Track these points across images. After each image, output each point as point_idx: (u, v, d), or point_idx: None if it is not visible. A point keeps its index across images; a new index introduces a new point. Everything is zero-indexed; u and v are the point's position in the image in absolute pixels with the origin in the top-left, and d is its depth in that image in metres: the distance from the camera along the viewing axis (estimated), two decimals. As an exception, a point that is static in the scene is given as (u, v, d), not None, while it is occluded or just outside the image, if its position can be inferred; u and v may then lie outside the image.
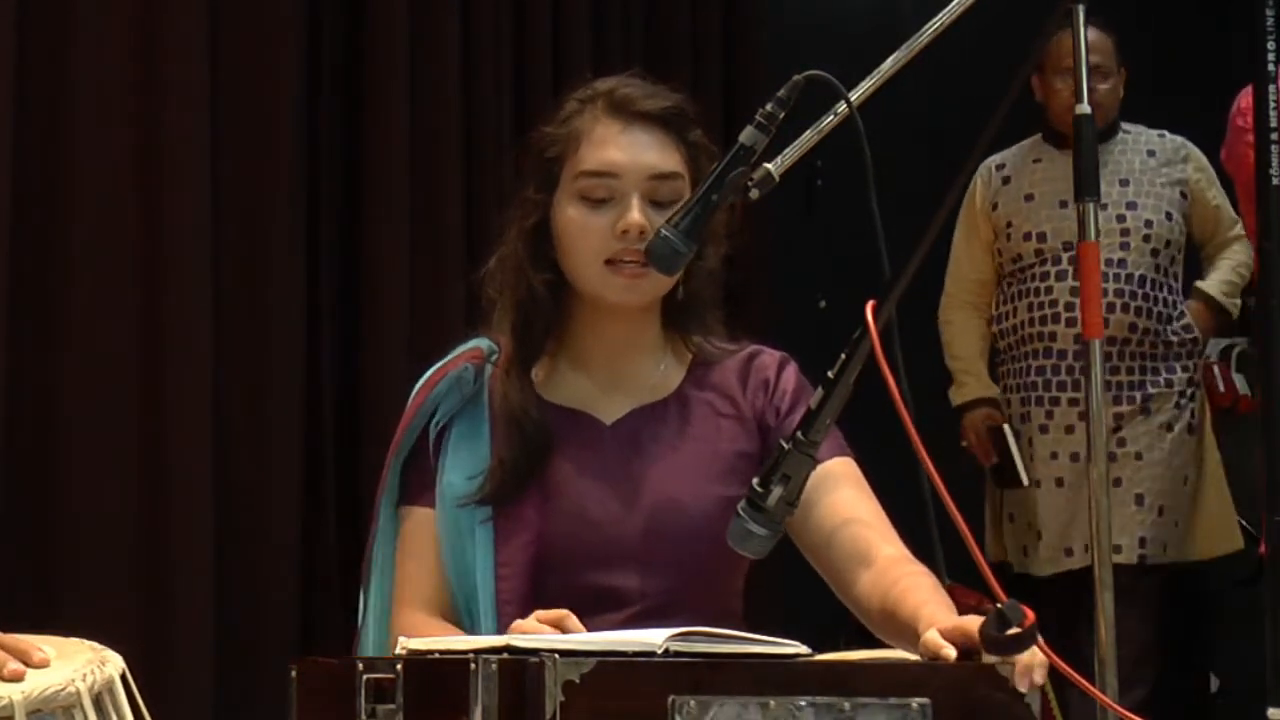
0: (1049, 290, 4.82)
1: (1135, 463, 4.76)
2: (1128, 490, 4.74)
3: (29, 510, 4.01)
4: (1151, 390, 4.78)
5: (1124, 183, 4.84)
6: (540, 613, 2.06)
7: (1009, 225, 4.91)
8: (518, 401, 2.40)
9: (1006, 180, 4.96)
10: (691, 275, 2.43)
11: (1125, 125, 4.92)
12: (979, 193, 4.98)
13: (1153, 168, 4.88)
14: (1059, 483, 4.81)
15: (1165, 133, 4.95)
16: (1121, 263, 4.77)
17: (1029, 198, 4.90)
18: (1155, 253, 4.82)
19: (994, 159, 4.97)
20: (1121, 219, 4.80)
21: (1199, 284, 4.99)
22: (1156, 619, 4.79)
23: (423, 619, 2.36)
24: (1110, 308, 4.71)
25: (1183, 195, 4.89)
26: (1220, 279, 4.97)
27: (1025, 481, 4.86)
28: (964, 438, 4.98)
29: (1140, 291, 4.78)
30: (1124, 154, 4.88)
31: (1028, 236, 4.87)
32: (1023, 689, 1.92)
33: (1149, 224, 4.81)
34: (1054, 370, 4.81)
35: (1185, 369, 4.84)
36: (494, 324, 2.48)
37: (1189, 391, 4.84)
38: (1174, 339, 4.83)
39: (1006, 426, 4.91)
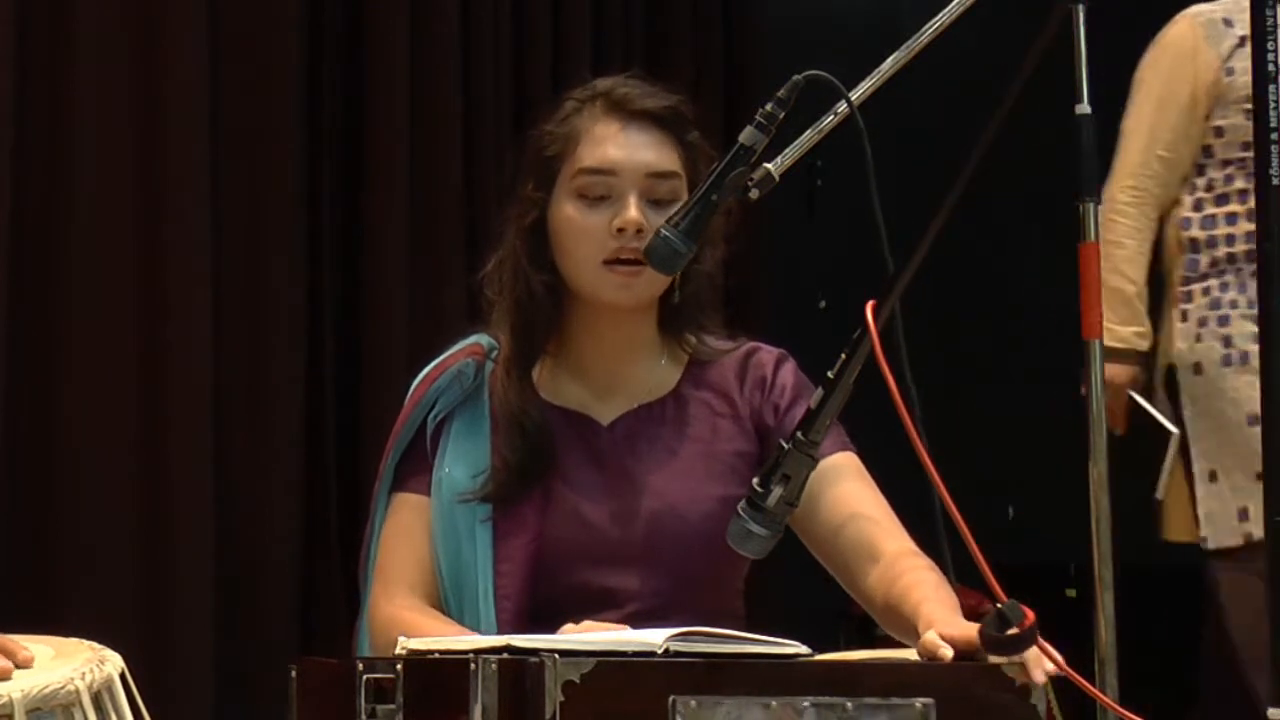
0: None
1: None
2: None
3: (29, 510, 4.00)
4: None
5: None
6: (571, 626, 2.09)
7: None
8: (518, 403, 2.40)
9: (1242, 42, 3.72)
10: (688, 278, 2.43)
11: None
12: (1199, 46, 3.80)
13: None
14: None
15: None
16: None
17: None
18: None
19: (1208, 7, 3.80)
20: None
21: None
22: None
23: (410, 601, 2.37)
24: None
25: None
26: None
27: (1173, 430, 3.84)
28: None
29: None
30: None
31: None
32: (1039, 680, 1.91)
33: None
34: None
35: None
36: (493, 324, 2.48)
37: None
38: None
39: (1136, 395, 3.91)
